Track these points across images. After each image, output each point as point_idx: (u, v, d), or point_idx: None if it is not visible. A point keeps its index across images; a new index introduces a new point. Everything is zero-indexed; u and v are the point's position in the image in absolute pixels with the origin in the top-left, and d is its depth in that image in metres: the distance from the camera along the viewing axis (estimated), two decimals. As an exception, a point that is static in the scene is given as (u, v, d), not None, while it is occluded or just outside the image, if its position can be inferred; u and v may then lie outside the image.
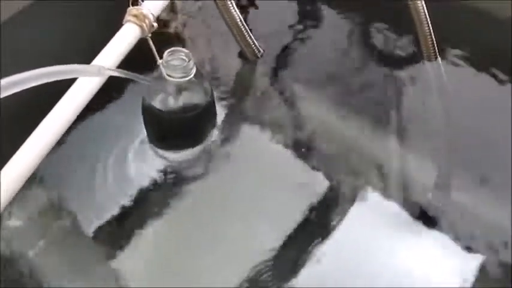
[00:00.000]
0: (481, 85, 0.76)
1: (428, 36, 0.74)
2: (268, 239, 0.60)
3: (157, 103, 0.61)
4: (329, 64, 0.79)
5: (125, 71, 0.48)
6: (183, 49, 0.58)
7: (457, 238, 0.60)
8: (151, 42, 0.54)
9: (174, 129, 0.64)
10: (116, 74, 0.46)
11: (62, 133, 0.46)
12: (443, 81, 0.77)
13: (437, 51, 0.76)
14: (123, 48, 0.50)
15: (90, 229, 0.60)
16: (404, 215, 0.62)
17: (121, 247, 0.59)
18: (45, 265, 0.57)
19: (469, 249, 0.59)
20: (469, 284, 0.57)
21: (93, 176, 0.64)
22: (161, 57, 0.57)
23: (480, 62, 0.77)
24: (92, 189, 0.63)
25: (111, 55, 0.49)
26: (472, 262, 0.58)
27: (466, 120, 0.72)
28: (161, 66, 0.57)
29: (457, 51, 0.78)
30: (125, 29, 0.51)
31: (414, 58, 0.78)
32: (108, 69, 0.46)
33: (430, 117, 0.73)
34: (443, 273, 0.58)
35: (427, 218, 0.62)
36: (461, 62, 0.78)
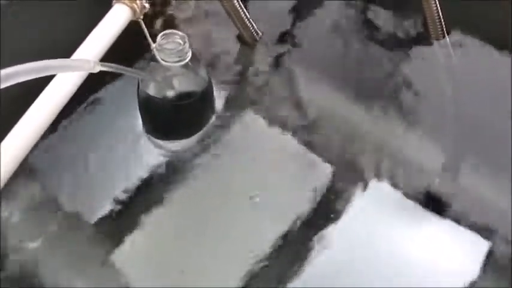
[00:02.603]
0: (490, 63, 0.75)
1: (436, 15, 0.73)
2: (271, 229, 0.59)
3: (152, 90, 0.59)
4: (331, 46, 0.77)
5: (121, 66, 0.48)
6: (178, 32, 0.56)
7: (464, 224, 0.60)
8: (143, 25, 0.52)
9: (170, 118, 0.63)
10: (110, 69, 0.46)
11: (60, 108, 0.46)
12: (451, 60, 0.76)
13: (444, 30, 0.75)
14: (113, 31, 0.49)
15: (87, 223, 0.59)
16: (411, 201, 0.61)
17: (119, 240, 0.58)
18: (43, 260, 0.56)
19: (476, 235, 0.59)
20: (476, 271, 0.56)
21: (89, 168, 0.63)
22: (155, 41, 0.56)
23: (489, 40, 0.76)
24: (88, 182, 0.62)
25: (100, 38, 0.47)
26: (480, 249, 0.58)
27: (474, 101, 0.71)
28: (155, 51, 0.56)
29: (465, 30, 0.77)
30: (114, 10, 0.49)
31: (421, 37, 0.77)
32: (103, 64, 0.45)
33: (438, 98, 0.72)
34: (450, 261, 0.58)
35: (434, 204, 0.61)
36: (469, 40, 0.77)
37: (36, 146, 0.59)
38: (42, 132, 0.46)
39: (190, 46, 0.56)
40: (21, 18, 0.70)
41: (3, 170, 0.42)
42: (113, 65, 0.46)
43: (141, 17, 0.52)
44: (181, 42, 0.56)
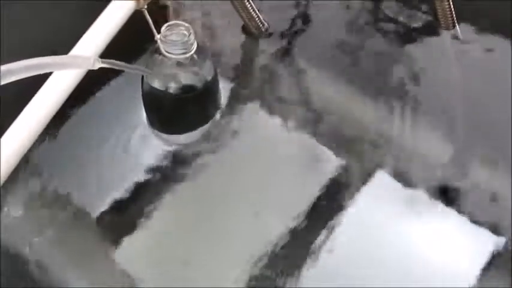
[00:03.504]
0: (500, 54, 0.74)
1: (447, 5, 0.73)
2: (277, 223, 0.58)
3: (156, 83, 0.59)
4: (339, 37, 0.76)
5: (122, 63, 0.47)
6: (183, 23, 0.55)
7: (472, 219, 0.59)
8: (147, 15, 0.51)
9: (175, 111, 0.62)
10: (111, 66, 0.45)
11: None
12: (461, 50, 0.75)
13: (455, 19, 0.75)
14: (115, 22, 0.48)
15: (90, 219, 0.59)
16: (418, 195, 0.61)
17: (122, 235, 0.58)
18: (45, 258, 0.56)
19: (484, 230, 0.58)
20: (483, 267, 0.56)
21: (93, 164, 0.63)
22: (159, 32, 0.55)
23: (500, 30, 0.76)
24: (91, 178, 0.62)
25: (102, 30, 0.46)
26: (487, 244, 0.57)
27: (484, 92, 0.71)
28: (159, 42, 0.55)
29: (475, 20, 0.77)
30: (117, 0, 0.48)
31: (431, 27, 0.77)
32: (103, 61, 0.44)
33: (448, 89, 0.71)
34: (456, 256, 0.57)
35: (441, 198, 0.61)
36: (480, 31, 0.76)
37: (38, 144, 0.59)
38: (43, 127, 0.45)
39: (195, 38, 0.56)
40: (20, 15, 0.69)
41: (4, 165, 0.41)
42: (113, 61, 0.45)
43: (146, 6, 0.51)
44: (187, 34, 0.55)
